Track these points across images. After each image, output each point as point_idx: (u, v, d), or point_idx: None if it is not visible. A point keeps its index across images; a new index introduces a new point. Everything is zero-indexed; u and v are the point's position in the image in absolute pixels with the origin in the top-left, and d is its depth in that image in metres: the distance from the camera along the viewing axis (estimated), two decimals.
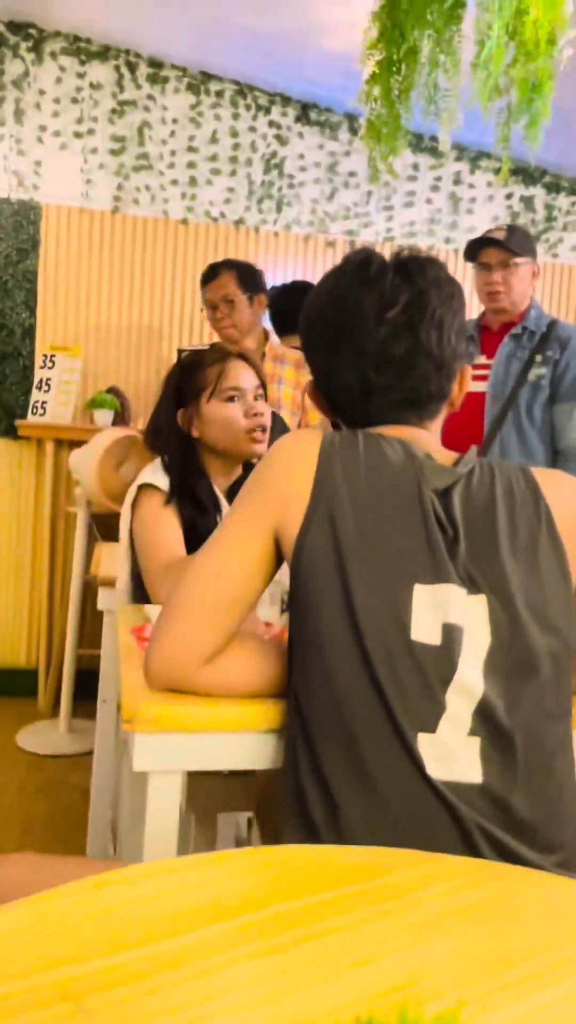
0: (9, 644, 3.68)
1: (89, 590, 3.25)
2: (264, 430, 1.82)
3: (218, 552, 1.06)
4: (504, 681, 0.96)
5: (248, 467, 1.89)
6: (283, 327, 3.16)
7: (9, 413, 3.58)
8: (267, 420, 1.83)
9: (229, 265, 2.87)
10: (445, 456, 1.09)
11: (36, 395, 3.50)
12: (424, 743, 0.93)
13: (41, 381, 3.51)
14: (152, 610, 1.52)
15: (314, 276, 3.84)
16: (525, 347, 2.57)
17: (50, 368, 3.51)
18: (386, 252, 1.13)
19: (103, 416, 3.52)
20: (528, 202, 4.01)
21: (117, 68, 3.62)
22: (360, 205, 3.88)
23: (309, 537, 1.00)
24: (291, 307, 3.07)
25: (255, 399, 1.83)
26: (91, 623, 3.28)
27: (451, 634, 0.95)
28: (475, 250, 2.61)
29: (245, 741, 1.10)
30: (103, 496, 3.05)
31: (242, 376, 1.83)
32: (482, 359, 2.67)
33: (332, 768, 0.95)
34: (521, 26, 1.75)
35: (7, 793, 2.75)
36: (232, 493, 1.88)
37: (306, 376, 2.86)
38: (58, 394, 3.51)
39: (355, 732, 0.95)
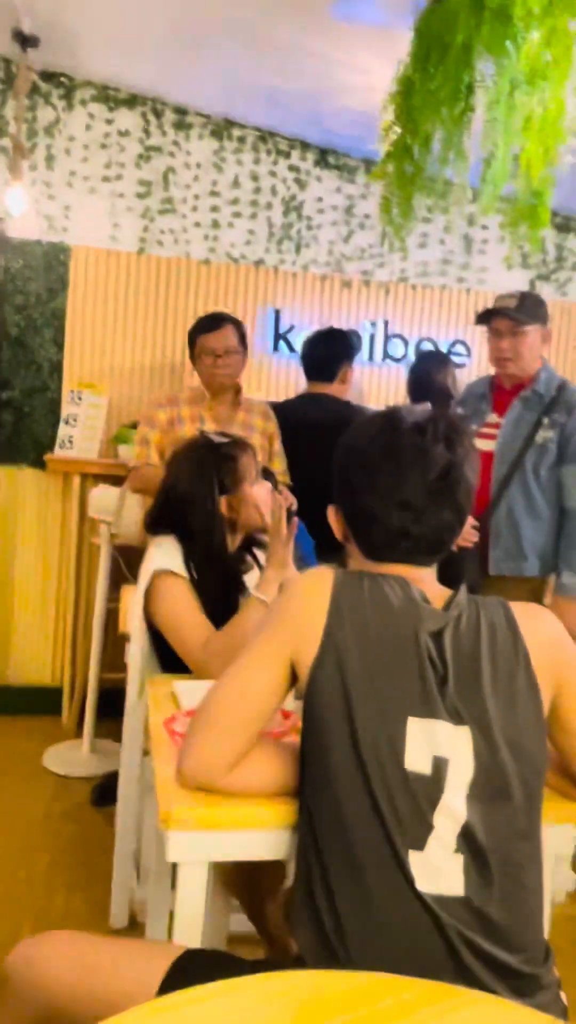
0: (35, 663, 3.85)
1: (111, 618, 3.42)
2: None
3: (243, 674, 1.22)
4: (483, 806, 1.11)
5: None
6: (316, 374, 3.19)
7: (38, 446, 3.74)
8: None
9: (230, 319, 2.99)
10: (437, 595, 1.24)
11: (64, 430, 3.65)
12: (415, 860, 1.09)
13: (68, 417, 3.66)
14: (180, 687, 1.67)
15: (331, 314, 3.97)
16: (534, 410, 2.67)
17: (77, 404, 3.67)
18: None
19: (127, 451, 3.66)
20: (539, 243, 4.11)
21: (144, 115, 3.74)
22: (375, 246, 3.99)
23: (321, 673, 1.15)
24: (326, 354, 3.20)
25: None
26: (113, 648, 3.43)
27: (440, 766, 1.11)
28: (487, 318, 2.72)
29: (263, 837, 1.26)
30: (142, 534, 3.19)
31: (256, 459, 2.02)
32: (492, 417, 2.78)
33: (336, 878, 1.12)
34: (524, 144, 1.87)
35: (34, 816, 2.92)
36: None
37: (272, 426, 3.03)
38: (84, 429, 3.66)
39: (356, 849, 1.11)
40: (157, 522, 2.02)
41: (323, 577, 1.21)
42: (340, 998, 0.87)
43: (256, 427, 3.01)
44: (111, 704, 3.08)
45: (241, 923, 1.99)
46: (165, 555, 1.92)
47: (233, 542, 2.02)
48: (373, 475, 1.25)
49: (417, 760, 1.11)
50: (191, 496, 1.96)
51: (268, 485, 2.02)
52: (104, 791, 2.97)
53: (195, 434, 2.27)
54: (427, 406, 1.32)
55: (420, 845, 1.09)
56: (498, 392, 2.81)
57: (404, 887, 1.08)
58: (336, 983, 0.91)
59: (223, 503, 1.97)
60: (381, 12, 2.78)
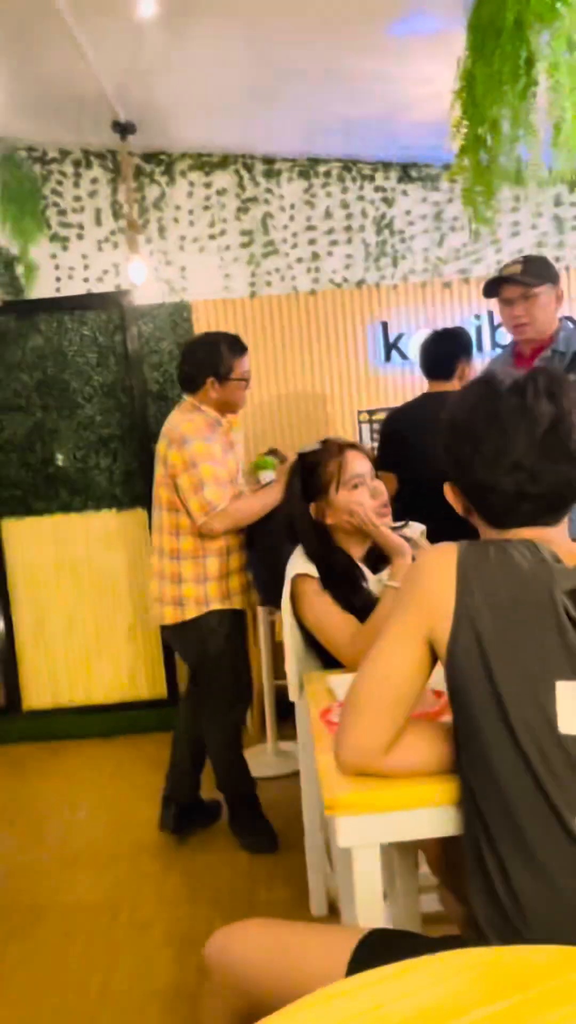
0: None
1: (276, 629, 3.42)
2: (387, 505, 1.90)
3: (382, 658, 1.14)
4: None
5: None
6: (435, 373, 3.03)
7: None
8: (386, 496, 1.91)
9: None
10: (570, 552, 1.11)
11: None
12: None
13: None
14: (335, 681, 1.62)
15: (435, 316, 3.84)
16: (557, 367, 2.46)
17: None
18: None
19: (267, 476, 3.66)
20: None
21: (236, 172, 3.79)
22: (469, 244, 3.84)
23: (458, 646, 1.06)
24: (442, 353, 3.07)
25: (373, 479, 1.91)
26: (282, 657, 3.42)
27: None
28: (495, 288, 2.52)
29: (428, 815, 1.17)
30: None
31: (358, 463, 1.90)
32: None
33: (504, 847, 1.01)
34: None
35: None
36: (368, 560, 1.96)
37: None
38: None
39: (519, 817, 1.00)
40: (286, 535, 1.99)
41: (447, 551, 1.12)
42: (524, 973, 0.78)
43: (239, 441, 2.86)
44: (288, 709, 3.05)
45: (434, 903, 1.89)
46: (299, 560, 1.88)
47: (351, 544, 1.93)
48: (479, 444, 1.15)
49: (571, 723, 0.99)
50: (287, 510, 1.94)
51: (364, 489, 1.88)
52: (179, 818, 2.79)
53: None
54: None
55: None
56: (519, 359, 2.61)
57: (572, 850, 0.97)
58: (519, 958, 0.81)
59: (313, 509, 1.90)
60: (434, 20, 2.68)
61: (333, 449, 1.93)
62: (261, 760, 3.37)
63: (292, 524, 1.95)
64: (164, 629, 2.74)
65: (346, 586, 1.83)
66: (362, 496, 1.86)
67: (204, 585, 2.60)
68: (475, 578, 1.07)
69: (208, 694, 2.71)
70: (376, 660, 1.15)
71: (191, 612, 2.60)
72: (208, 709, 2.72)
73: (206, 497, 2.48)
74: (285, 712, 3.31)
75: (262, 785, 3.18)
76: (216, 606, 2.60)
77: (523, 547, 1.09)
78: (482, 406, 1.16)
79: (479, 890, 1.05)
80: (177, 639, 2.73)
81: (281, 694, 3.37)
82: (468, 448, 1.16)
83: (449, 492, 1.25)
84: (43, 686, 3.94)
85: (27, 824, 3.03)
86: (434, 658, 1.14)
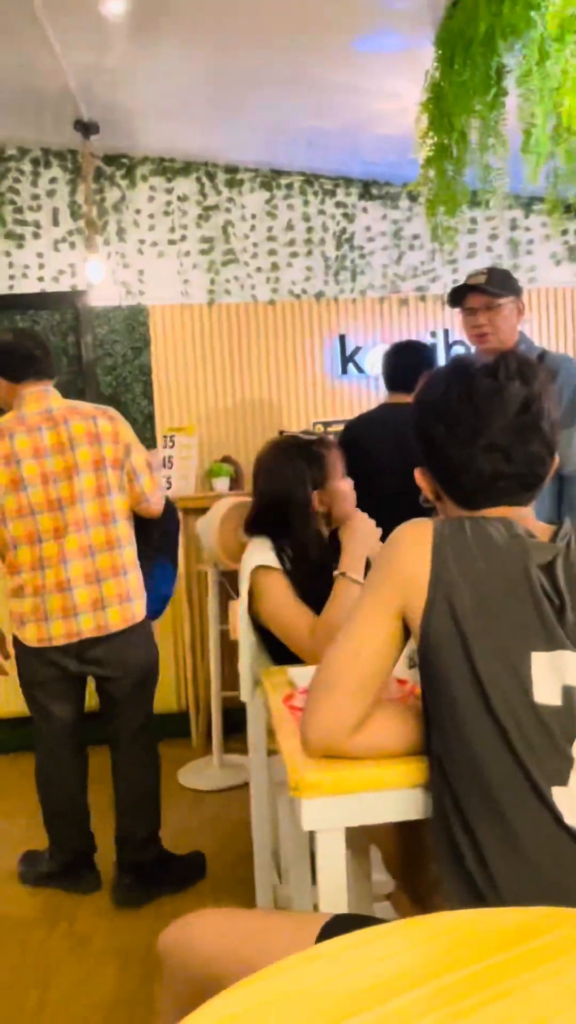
0: (162, 691, 3.80)
1: (225, 639, 3.36)
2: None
3: (354, 635, 1.12)
4: None
5: None
6: (397, 384, 3.04)
7: None
8: None
9: None
10: (542, 530, 1.12)
11: (162, 472, 3.67)
12: (559, 795, 0.96)
13: (165, 460, 3.67)
14: (295, 672, 1.59)
15: (392, 332, 3.89)
16: None
17: (171, 447, 3.68)
18: None
19: (221, 483, 3.65)
20: None
21: (199, 179, 3.79)
22: (427, 263, 3.91)
23: (432, 619, 1.04)
24: (405, 366, 3.08)
25: None
26: (230, 666, 3.37)
27: (570, 695, 0.98)
28: (459, 297, 2.56)
29: (396, 797, 1.14)
30: (224, 556, 3.16)
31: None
32: None
33: (478, 823, 0.99)
34: (561, 108, 1.77)
35: (176, 830, 2.85)
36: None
37: None
38: (180, 468, 3.67)
39: (495, 790, 0.98)
40: (254, 524, 1.96)
41: (422, 526, 1.11)
42: (500, 934, 0.76)
43: None
44: (234, 721, 3.00)
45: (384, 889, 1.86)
46: (260, 552, 1.86)
47: (325, 534, 1.95)
48: (453, 425, 1.15)
49: (546, 693, 0.99)
50: (286, 495, 1.89)
51: (350, 480, 1.97)
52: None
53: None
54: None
55: (563, 780, 0.96)
56: None
57: (551, 823, 0.95)
58: (495, 920, 0.79)
59: (315, 498, 1.90)
60: (401, 38, 2.74)
61: (329, 441, 1.96)
62: (206, 773, 3.31)
63: (279, 510, 1.90)
64: (104, 641, 2.31)
65: (317, 573, 1.82)
66: (350, 485, 1.91)
67: (138, 575, 2.37)
68: (450, 552, 1.07)
69: (147, 714, 2.46)
70: (347, 637, 1.13)
71: (140, 610, 2.36)
72: (148, 734, 2.47)
73: (156, 478, 2.42)
74: (231, 725, 3.27)
75: (206, 799, 3.11)
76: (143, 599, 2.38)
77: (498, 523, 1.09)
78: (455, 387, 1.16)
79: (450, 872, 1.03)
80: (122, 649, 2.35)
81: (228, 708, 3.32)
82: (442, 428, 1.16)
83: (419, 477, 1.25)
84: (10, 694, 3.78)
85: None
86: (406, 635, 1.12)
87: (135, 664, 2.40)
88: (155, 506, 2.41)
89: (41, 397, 2.33)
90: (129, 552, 2.35)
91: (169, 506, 2.52)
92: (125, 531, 2.34)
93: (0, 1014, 1.91)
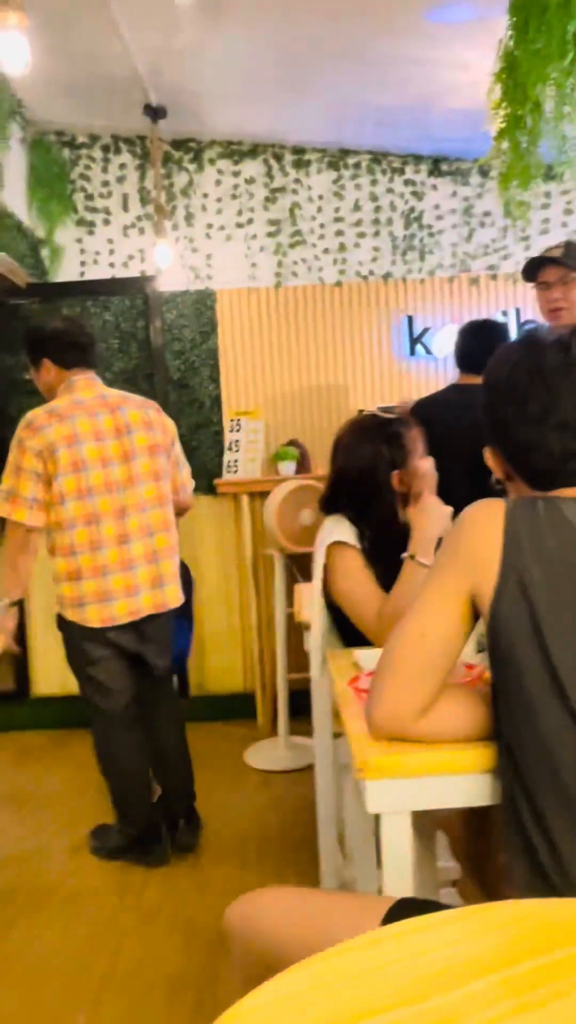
0: (228, 672, 3.87)
1: (291, 621, 3.38)
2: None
3: (421, 616, 1.10)
4: None
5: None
6: (468, 365, 2.92)
7: (208, 474, 3.79)
8: None
9: None
10: None
11: (228, 456, 3.69)
12: None
13: (231, 443, 3.69)
14: (361, 654, 1.57)
15: (462, 311, 3.81)
16: None
17: (237, 431, 3.70)
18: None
19: (287, 467, 3.65)
20: None
21: (266, 161, 3.78)
22: (498, 240, 3.81)
23: (503, 602, 1.01)
24: (478, 347, 3.00)
25: None
26: (295, 649, 3.39)
27: None
28: (534, 270, 2.46)
29: (463, 782, 1.12)
30: (283, 539, 3.17)
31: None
32: None
33: (550, 814, 0.97)
34: None
35: (242, 810, 2.89)
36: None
37: None
38: (247, 452, 3.68)
39: (566, 776, 0.95)
40: (330, 502, 1.94)
41: (493, 506, 1.08)
42: (572, 925, 0.73)
43: None
44: (300, 703, 3.01)
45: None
46: (338, 528, 1.85)
47: (404, 514, 1.91)
48: (522, 403, 1.11)
49: None
50: (366, 474, 1.87)
51: (431, 458, 1.91)
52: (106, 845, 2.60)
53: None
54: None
55: None
56: None
57: None
58: (568, 910, 0.77)
59: (395, 477, 1.87)
60: (473, 7, 2.66)
61: (408, 420, 1.92)
62: (272, 754, 3.33)
63: (357, 489, 1.88)
64: (160, 617, 2.45)
65: (393, 553, 1.80)
66: (430, 464, 1.87)
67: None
68: (523, 533, 1.03)
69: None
70: (413, 618, 1.10)
71: (181, 592, 2.52)
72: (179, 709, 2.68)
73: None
74: (296, 707, 3.28)
75: (272, 780, 3.14)
76: None
77: (572, 503, 1.05)
78: (524, 364, 1.12)
79: (520, 862, 1.01)
80: (166, 628, 2.50)
81: (294, 690, 3.33)
82: (512, 407, 1.12)
83: (489, 457, 1.21)
84: (52, 673, 3.90)
85: (34, 810, 3.00)
86: (475, 618, 1.10)
87: (171, 642, 2.57)
88: (190, 498, 2.58)
89: (92, 384, 2.44)
90: (176, 536, 2.49)
91: (182, 565, 2.62)
92: (172, 516, 2.49)
93: (71, 980, 1.98)
